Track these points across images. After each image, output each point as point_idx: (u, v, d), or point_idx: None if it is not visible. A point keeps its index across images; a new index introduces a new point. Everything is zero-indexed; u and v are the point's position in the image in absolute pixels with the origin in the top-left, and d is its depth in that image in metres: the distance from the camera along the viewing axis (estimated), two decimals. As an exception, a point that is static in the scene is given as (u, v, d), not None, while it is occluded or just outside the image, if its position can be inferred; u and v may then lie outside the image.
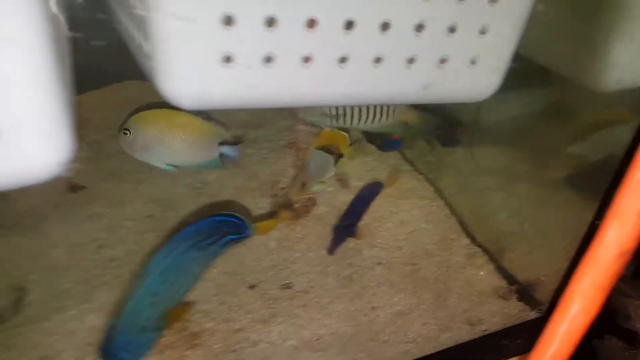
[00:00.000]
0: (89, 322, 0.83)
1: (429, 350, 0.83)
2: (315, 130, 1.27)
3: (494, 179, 1.13)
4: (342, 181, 1.14)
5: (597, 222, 0.83)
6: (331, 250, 0.97)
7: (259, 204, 1.10)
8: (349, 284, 0.94)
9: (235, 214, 0.89)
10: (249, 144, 1.27)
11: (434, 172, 1.21)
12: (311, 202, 1.07)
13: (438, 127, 1.15)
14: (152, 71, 0.58)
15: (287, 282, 0.95)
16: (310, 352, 0.82)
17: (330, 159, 1.09)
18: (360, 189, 1.09)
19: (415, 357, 0.81)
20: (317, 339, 0.85)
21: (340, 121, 1.21)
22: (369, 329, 0.87)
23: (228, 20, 0.52)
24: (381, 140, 1.24)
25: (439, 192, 1.17)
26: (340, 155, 1.09)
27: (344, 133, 1.11)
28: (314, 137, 1.24)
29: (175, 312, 0.81)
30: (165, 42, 0.53)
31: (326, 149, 1.09)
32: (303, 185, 1.03)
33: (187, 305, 0.88)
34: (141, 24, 0.55)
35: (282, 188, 1.09)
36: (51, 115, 0.41)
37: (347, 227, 1.00)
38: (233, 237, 0.88)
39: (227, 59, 0.55)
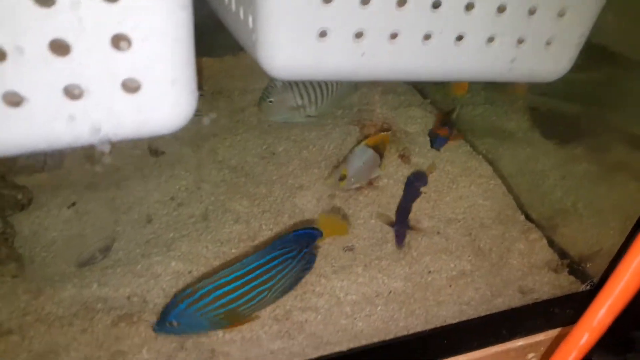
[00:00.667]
0: (172, 268, 0.93)
1: (483, 312, 0.88)
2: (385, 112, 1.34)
3: (551, 160, 1.16)
4: (404, 157, 1.19)
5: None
6: (399, 245, 1.02)
7: (324, 175, 1.17)
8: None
9: (311, 226, 0.92)
10: (316, 120, 1.34)
11: (493, 153, 1.25)
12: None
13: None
14: (253, 43, 0.65)
15: (350, 245, 1.01)
16: (370, 306, 0.89)
17: (378, 160, 1.14)
18: (406, 183, 1.13)
19: (470, 317, 0.86)
20: (376, 295, 0.91)
21: (307, 110, 1.28)
22: (426, 289, 0.93)
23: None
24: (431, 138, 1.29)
25: (497, 171, 1.21)
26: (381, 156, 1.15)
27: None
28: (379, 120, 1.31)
29: (240, 319, 0.82)
30: (269, 17, 0.60)
31: (375, 148, 1.14)
32: (342, 178, 1.08)
33: (254, 318, 0.85)
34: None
35: (347, 160, 1.16)
36: (184, 72, 0.49)
37: (404, 222, 1.04)
38: (306, 249, 0.88)
39: (324, 34, 0.62)
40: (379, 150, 1.14)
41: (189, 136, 1.28)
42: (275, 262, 0.82)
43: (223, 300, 0.78)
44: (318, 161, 1.22)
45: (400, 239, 1.01)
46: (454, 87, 1.43)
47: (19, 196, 0.98)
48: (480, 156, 1.26)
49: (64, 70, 0.44)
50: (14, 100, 0.46)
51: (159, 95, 0.48)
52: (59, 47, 0.44)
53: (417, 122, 1.34)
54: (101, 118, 0.47)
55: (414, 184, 1.10)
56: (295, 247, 0.86)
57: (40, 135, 0.46)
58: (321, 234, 0.90)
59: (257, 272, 0.80)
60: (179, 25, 0.46)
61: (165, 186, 1.13)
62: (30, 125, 0.45)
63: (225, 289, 0.78)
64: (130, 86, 0.47)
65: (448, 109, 1.37)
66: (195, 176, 1.16)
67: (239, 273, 0.79)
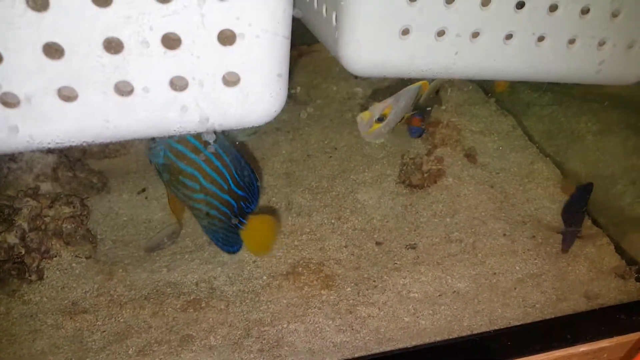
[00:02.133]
0: (237, 257, 0.95)
1: (548, 315, 0.86)
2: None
3: (621, 165, 1.12)
4: (470, 156, 1.17)
5: None
6: (565, 249, 1.01)
7: (387, 171, 1.16)
8: (472, 251, 0.99)
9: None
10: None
11: (561, 155, 1.22)
12: (439, 173, 1.12)
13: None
14: (335, 41, 0.66)
15: (412, 243, 1.01)
16: (434, 305, 0.88)
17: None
18: (574, 191, 1.10)
19: (535, 320, 0.84)
20: (439, 295, 0.90)
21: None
22: (491, 291, 0.91)
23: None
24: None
25: (565, 175, 1.18)
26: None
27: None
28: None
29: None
30: (353, 15, 0.60)
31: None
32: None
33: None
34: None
35: (412, 158, 1.15)
36: (284, 66, 0.51)
37: (575, 225, 1.02)
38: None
39: (406, 32, 0.62)
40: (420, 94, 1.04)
41: (251, 129, 1.30)
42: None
43: None
44: (379, 157, 1.22)
45: (567, 243, 1.00)
46: (496, 84, 1.40)
47: (94, 180, 1.02)
48: (548, 158, 1.22)
49: (175, 62, 0.46)
50: (127, 89, 0.48)
51: (260, 88, 0.50)
52: (171, 41, 0.46)
53: (483, 120, 1.31)
54: (209, 109, 0.49)
55: (586, 188, 1.07)
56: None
57: (156, 122, 0.49)
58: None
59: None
60: (282, 23, 0.47)
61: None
62: (148, 112, 0.48)
63: None
64: (234, 80, 0.49)
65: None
66: (259, 168, 1.18)
67: None
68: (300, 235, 1.01)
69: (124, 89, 0.47)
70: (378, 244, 1.01)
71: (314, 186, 1.14)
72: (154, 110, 0.48)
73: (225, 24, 0.45)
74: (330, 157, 1.23)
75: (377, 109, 0.88)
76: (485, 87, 1.47)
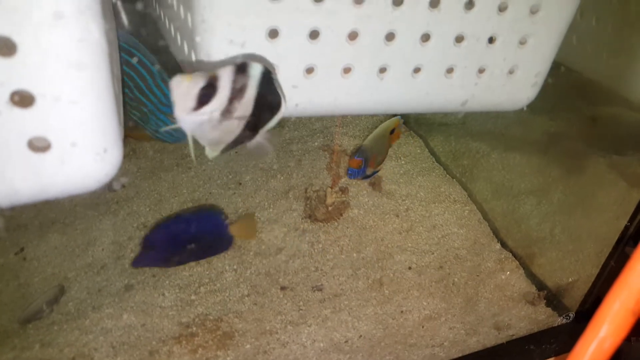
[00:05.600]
0: (124, 321, 0.86)
1: (456, 354, 0.83)
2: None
3: (527, 185, 1.12)
4: (375, 184, 1.14)
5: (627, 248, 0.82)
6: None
7: (292, 206, 1.11)
8: (379, 288, 0.95)
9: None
10: (284, 145, 1.28)
11: (467, 176, 1.20)
12: (344, 205, 1.08)
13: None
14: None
15: (318, 284, 0.96)
16: (339, 354, 0.83)
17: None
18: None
19: (442, 362, 0.81)
20: (345, 341, 0.86)
21: None
22: (397, 332, 0.87)
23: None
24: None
25: (472, 196, 1.16)
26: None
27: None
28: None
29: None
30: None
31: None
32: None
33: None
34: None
35: (315, 191, 1.10)
36: (106, 132, 0.44)
37: None
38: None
39: (310, 70, 0.56)
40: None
41: (150, 167, 1.22)
42: None
43: None
44: (286, 191, 1.16)
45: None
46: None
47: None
48: (454, 180, 1.21)
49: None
50: None
51: (80, 152, 0.43)
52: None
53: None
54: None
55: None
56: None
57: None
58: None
59: None
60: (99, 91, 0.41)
61: (123, 225, 1.06)
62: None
63: None
64: (40, 146, 0.42)
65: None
66: (156, 212, 1.10)
67: None
68: (197, 287, 0.94)
69: None
70: (283, 288, 0.95)
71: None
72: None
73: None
74: (234, 193, 1.17)
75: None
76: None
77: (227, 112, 0.48)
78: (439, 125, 1.35)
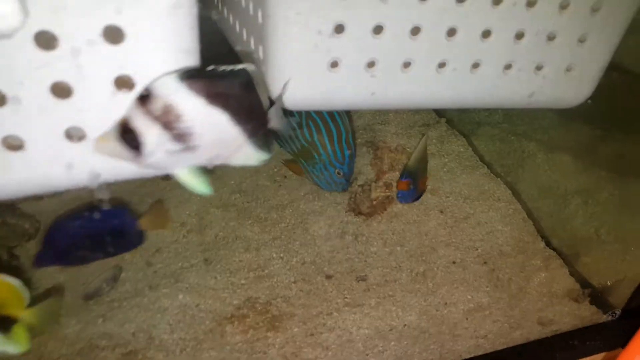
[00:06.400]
0: (179, 301, 0.90)
1: (500, 345, 0.84)
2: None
3: (573, 185, 1.12)
4: (419, 180, 1.16)
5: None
6: None
7: (337, 199, 1.14)
8: (423, 280, 0.97)
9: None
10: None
11: (512, 175, 1.21)
12: (388, 200, 1.10)
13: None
14: (264, 74, 0.63)
15: (362, 274, 0.98)
16: (384, 342, 0.85)
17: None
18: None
19: (487, 352, 0.83)
20: (390, 330, 0.88)
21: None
22: (442, 323, 0.89)
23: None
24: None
25: (516, 195, 1.17)
26: None
27: None
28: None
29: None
30: (279, 49, 0.58)
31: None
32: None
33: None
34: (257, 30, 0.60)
35: (360, 185, 1.13)
36: None
37: None
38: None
39: (335, 64, 0.59)
40: None
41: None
42: None
43: None
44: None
45: None
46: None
47: (26, 225, 0.96)
48: (499, 179, 1.21)
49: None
50: (15, 144, 0.45)
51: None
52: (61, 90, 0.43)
53: (433, 142, 1.30)
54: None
55: None
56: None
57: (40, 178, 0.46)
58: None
59: None
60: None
61: (176, 211, 1.11)
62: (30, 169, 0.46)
63: None
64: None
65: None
66: (206, 200, 1.14)
67: None
68: (247, 273, 0.97)
69: (13, 144, 0.44)
70: (328, 277, 0.98)
71: (263, 218, 1.11)
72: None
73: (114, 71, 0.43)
74: (280, 185, 1.20)
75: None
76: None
77: (180, 136, 0.45)
78: (482, 125, 1.36)
